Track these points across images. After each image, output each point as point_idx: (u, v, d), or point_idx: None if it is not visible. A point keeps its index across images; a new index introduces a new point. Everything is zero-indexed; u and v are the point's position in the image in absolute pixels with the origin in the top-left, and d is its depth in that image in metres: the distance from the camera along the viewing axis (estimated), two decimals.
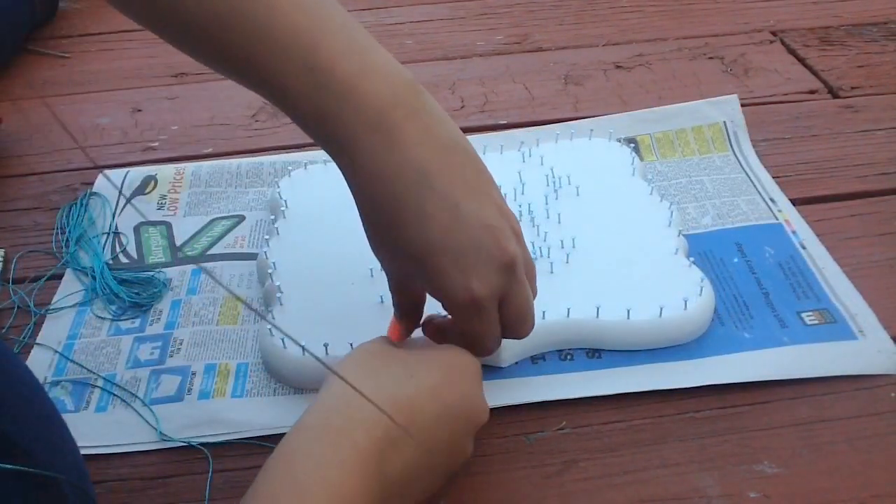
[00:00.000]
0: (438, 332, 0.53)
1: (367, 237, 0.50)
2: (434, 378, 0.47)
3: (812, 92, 0.87)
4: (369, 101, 0.46)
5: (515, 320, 0.50)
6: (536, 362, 0.59)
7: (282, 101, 0.47)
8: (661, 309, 0.58)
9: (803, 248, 0.66)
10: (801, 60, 0.93)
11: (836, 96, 0.87)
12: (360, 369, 0.47)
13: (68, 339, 0.62)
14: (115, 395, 0.58)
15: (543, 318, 0.58)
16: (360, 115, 0.46)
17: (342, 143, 0.47)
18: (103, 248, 0.70)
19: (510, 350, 0.58)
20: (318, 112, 0.46)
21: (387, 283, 0.61)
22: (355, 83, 0.46)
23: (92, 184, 0.77)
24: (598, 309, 0.58)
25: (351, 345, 0.56)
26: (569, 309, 0.58)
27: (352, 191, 0.49)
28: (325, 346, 0.56)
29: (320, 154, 0.78)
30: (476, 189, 0.48)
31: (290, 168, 0.74)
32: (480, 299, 0.47)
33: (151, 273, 0.67)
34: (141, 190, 0.76)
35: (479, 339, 0.50)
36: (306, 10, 0.46)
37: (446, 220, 0.46)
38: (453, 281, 0.47)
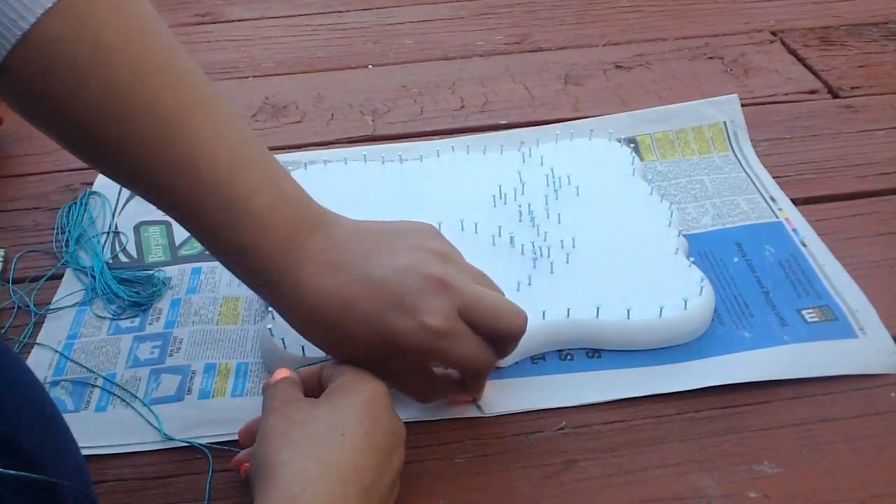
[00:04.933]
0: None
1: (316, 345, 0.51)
2: (363, 424, 0.45)
3: (812, 92, 0.87)
4: (280, 230, 0.48)
5: (494, 321, 0.50)
6: (536, 362, 0.59)
7: (201, 231, 0.48)
8: (661, 309, 0.58)
9: (804, 245, 0.66)
10: (801, 60, 0.93)
11: (836, 96, 0.87)
12: (291, 445, 0.44)
13: (68, 338, 0.62)
14: (115, 394, 0.58)
15: (543, 318, 0.58)
16: (272, 245, 0.48)
17: (261, 275, 0.49)
18: (103, 248, 0.70)
19: None
20: (237, 246, 0.48)
21: None
22: (267, 215, 0.47)
23: (92, 183, 0.77)
24: (598, 309, 0.58)
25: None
26: (569, 309, 0.58)
27: (284, 317, 0.50)
28: None
29: (320, 154, 0.79)
30: (378, 250, 0.49)
31: (290, 168, 0.73)
32: (439, 327, 0.48)
33: (151, 272, 0.67)
34: None
35: (472, 362, 0.50)
36: (227, 141, 0.47)
37: (365, 293, 0.48)
38: (408, 332, 0.48)
